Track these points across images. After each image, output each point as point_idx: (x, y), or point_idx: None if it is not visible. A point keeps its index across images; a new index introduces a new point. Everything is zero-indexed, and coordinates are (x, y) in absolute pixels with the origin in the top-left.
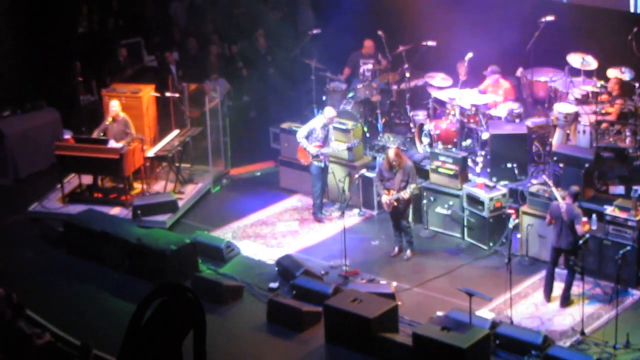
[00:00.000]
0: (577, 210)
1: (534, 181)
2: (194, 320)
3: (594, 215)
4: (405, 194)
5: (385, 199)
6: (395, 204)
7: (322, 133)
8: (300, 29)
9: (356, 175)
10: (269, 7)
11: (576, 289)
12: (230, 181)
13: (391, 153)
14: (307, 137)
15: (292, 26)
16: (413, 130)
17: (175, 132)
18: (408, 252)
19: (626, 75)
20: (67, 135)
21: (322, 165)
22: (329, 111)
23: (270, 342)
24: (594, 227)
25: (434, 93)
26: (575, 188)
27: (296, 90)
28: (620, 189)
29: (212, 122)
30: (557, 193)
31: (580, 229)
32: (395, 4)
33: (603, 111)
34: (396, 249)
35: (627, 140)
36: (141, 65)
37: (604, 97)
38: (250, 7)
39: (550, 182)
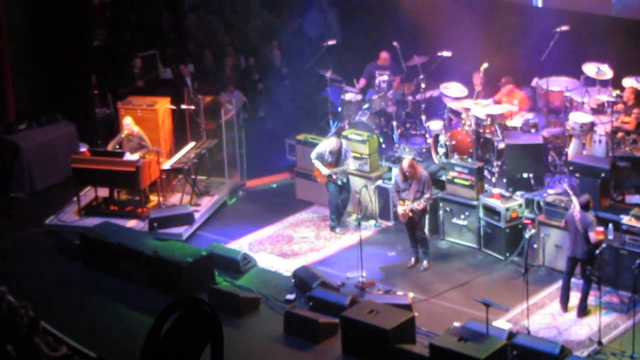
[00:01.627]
0: (590, 218)
1: (550, 191)
2: (211, 333)
3: (610, 225)
4: (419, 205)
5: (400, 209)
6: (411, 214)
7: (331, 156)
8: (314, 40)
9: (372, 187)
10: (284, 18)
11: (593, 298)
12: (246, 193)
13: (405, 164)
14: (319, 158)
15: (307, 37)
16: (429, 140)
17: (191, 144)
18: (425, 263)
19: None
20: (83, 148)
21: (339, 182)
22: (332, 141)
23: (287, 353)
24: (611, 237)
25: (450, 103)
26: (585, 197)
27: (312, 101)
28: (636, 199)
29: (228, 134)
30: (576, 202)
31: (593, 236)
32: (411, 15)
33: (619, 120)
34: (413, 260)
35: None
36: (154, 74)
37: (620, 106)
38: (265, 19)
39: (570, 191)
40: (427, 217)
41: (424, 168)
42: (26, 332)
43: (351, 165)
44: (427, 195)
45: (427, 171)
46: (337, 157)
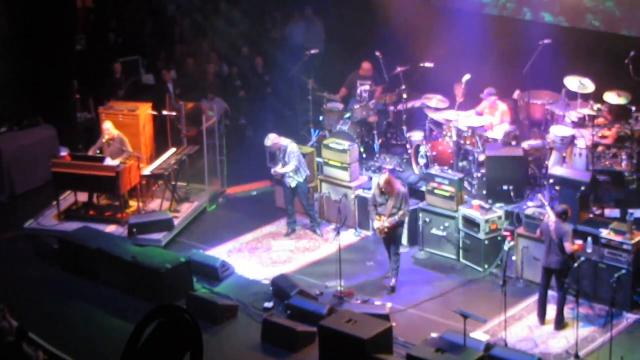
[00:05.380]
0: (565, 228)
1: (529, 204)
2: (191, 342)
3: (589, 239)
4: (390, 223)
5: (377, 224)
6: (386, 230)
7: (279, 155)
8: (297, 49)
9: (352, 196)
10: (267, 27)
11: (571, 312)
12: (226, 200)
13: (382, 180)
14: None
15: (290, 46)
16: (410, 151)
17: (172, 150)
18: (393, 280)
19: (623, 99)
20: (64, 153)
21: (286, 184)
22: (266, 139)
23: None
24: (590, 251)
25: (431, 114)
26: (562, 207)
27: (293, 110)
28: (616, 213)
29: (209, 141)
30: (551, 213)
31: (568, 246)
32: (394, 26)
33: (600, 134)
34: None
35: (624, 164)
36: (136, 78)
37: (601, 120)
38: (248, 27)
39: (545, 202)
40: (404, 231)
41: (402, 184)
42: (14, 340)
43: (282, 169)
44: (400, 213)
45: (405, 188)
46: (283, 157)
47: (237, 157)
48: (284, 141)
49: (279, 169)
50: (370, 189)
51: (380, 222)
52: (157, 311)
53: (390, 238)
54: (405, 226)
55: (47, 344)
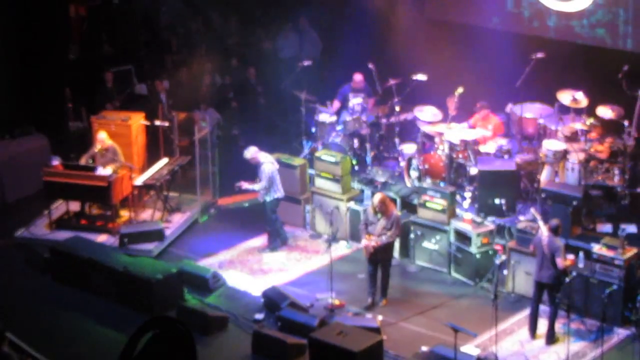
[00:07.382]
0: (558, 243)
1: (521, 218)
2: (185, 353)
3: (581, 253)
4: (376, 242)
5: (364, 242)
6: (372, 250)
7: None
8: (290, 60)
9: (344, 208)
10: (260, 38)
11: (562, 326)
12: (218, 211)
13: (375, 199)
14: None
15: (282, 57)
16: (402, 164)
17: (164, 160)
18: (383, 300)
19: (615, 113)
20: (56, 162)
21: (260, 199)
22: (246, 151)
23: None
24: (581, 265)
25: (424, 127)
26: (554, 221)
27: (286, 121)
28: (607, 227)
29: (201, 152)
30: (543, 227)
31: (560, 262)
32: (386, 38)
33: (592, 149)
34: (369, 300)
35: (616, 179)
36: (128, 91)
37: (593, 135)
38: (241, 38)
39: (538, 216)
40: (397, 246)
41: (395, 208)
42: None
43: (248, 184)
44: (389, 233)
45: (398, 212)
46: (258, 173)
47: (229, 167)
48: (262, 158)
49: (245, 183)
50: (362, 201)
51: (368, 241)
52: (150, 323)
53: (379, 259)
54: (397, 239)
55: (36, 353)
